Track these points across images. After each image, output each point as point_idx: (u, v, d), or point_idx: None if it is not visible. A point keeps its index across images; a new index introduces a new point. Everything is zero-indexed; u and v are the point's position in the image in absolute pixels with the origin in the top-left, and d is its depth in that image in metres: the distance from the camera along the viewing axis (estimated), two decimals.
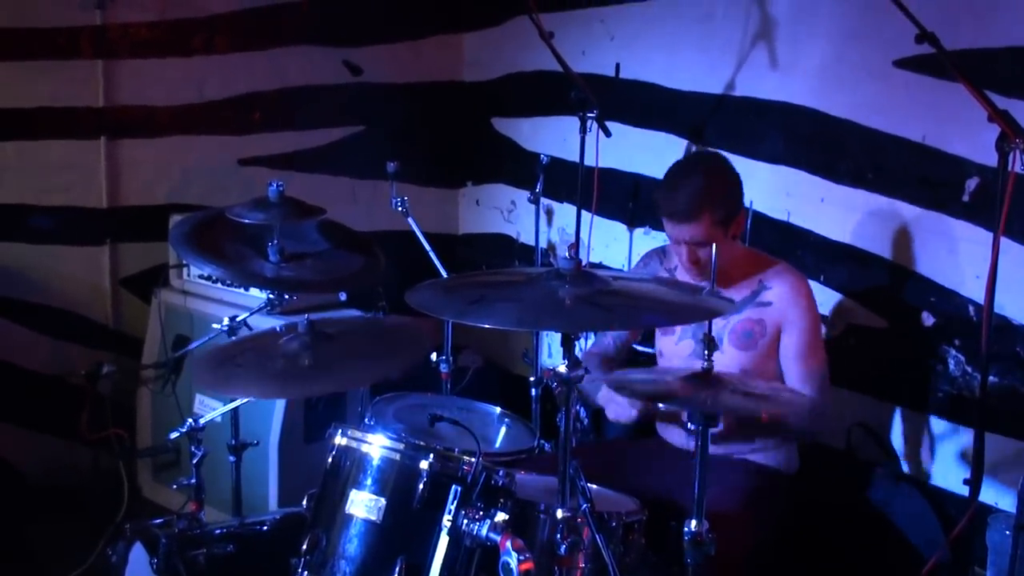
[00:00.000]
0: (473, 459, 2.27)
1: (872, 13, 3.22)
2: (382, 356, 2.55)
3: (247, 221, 2.88)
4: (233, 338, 2.94)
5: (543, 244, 4.41)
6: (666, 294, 2.23)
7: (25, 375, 4.14)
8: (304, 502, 2.50)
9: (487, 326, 1.99)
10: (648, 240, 4.05)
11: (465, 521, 2.21)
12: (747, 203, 3.50)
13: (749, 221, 3.49)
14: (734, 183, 2.93)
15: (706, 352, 2.27)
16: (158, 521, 2.64)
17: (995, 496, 2.93)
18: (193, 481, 2.79)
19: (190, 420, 2.78)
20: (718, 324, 2.90)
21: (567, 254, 2.15)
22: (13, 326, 4.09)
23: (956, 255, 3.06)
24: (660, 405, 2.72)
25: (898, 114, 3.18)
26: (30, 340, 4.13)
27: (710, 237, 2.80)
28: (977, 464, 2.80)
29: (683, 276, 3.06)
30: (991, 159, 2.68)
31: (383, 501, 2.27)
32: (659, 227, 3.96)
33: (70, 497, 3.97)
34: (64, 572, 3.47)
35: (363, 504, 2.28)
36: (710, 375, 2.27)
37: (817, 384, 2.86)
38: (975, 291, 2.98)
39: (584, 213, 3.85)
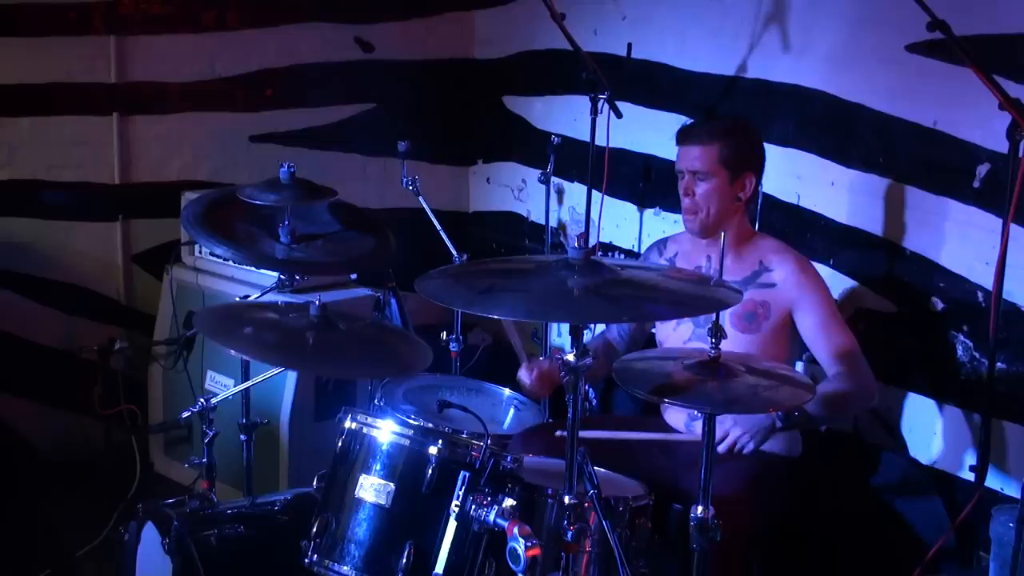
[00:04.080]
0: (481, 443, 2.30)
1: None
2: (381, 358, 2.54)
3: (259, 203, 2.89)
4: (246, 300, 2.96)
5: (553, 223, 4.42)
6: (674, 284, 2.23)
7: (38, 350, 4.17)
8: (314, 483, 2.53)
9: (496, 316, 2.00)
10: (659, 221, 4.05)
11: (473, 507, 2.24)
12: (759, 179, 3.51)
13: (759, 204, 3.49)
14: (755, 143, 3.02)
15: (712, 340, 2.26)
16: (170, 501, 2.67)
17: (1001, 482, 2.94)
18: (205, 460, 2.81)
19: (202, 400, 2.80)
20: None
21: (576, 243, 2.14)
22: (26, 301, 4.12)
23: (966, 241, 3.06)
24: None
25: (909, 99, 3.17)
26: (43, 315, 4.16)
27: (712, 170, 2.90)
28: (984, 450, 2.82)
29: (683, 263, 3.07)
30: (1002, 146, 2.68)
31: (392, 486, 2.30)
32: (669, 208, 3.97)
33: (83, 471, 4.00)
34: (77, 547, 3.51)
35: (372, 488, 2.31)
36: (718, 363, 2.27)
37: (848, 356, 2.83)
38: (984, 277, 2.97)
39: (595, 194, 3.86)
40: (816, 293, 2.89)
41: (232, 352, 2.79)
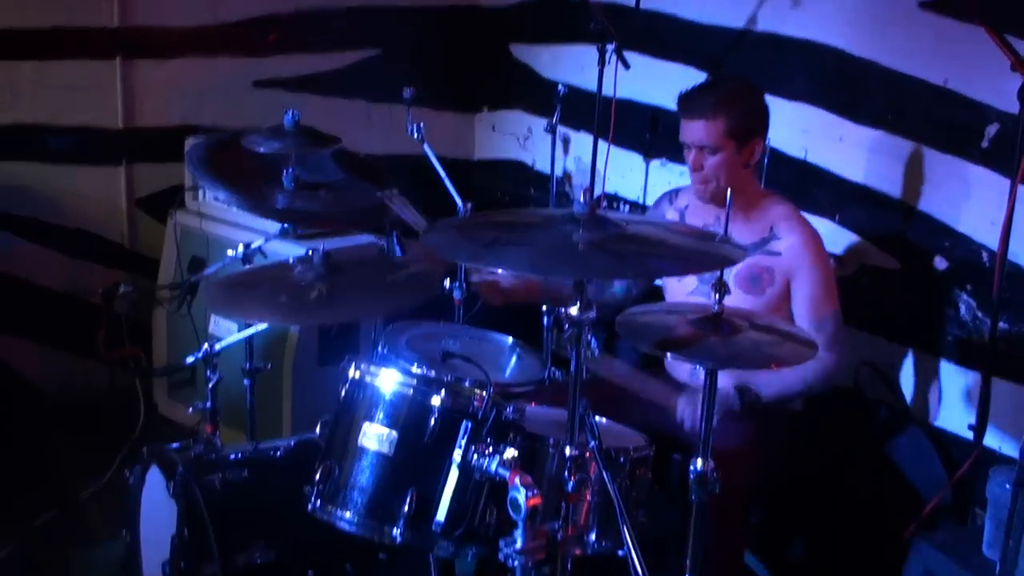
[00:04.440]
0: (484, 393, 2.31)
1: None
2: (394, 290, 2.56)
3: (263, 150, 2.88)
4: (248, 266, 2.96)
5: (559, 173, 4.40)
6: (679, 240, 2.23)
7: (42, 293, 4.19)
8: (318, 428, 2.54)
9: (500, 271, 2.00)
10: (664, 172, 4.04)
11: (475, 456, 2.25)
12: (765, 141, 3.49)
13: (767, 158, 3.48)
14: (760, 107, 2.95)
15: (716, 296, 2.26)
16: (174, 445, 2.69)
17: (999, 441, 2.96)
18: (208, 405, 2.83)
19: (206, 345, 2.81)
20: None
21: (581, 198, 2.13)
22: (30, 245, 4.13)
23: (972, 200, 3.05)
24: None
25: (921, 56, 3.14)
26: (47, 259, 4.17)
27: (720, 144, 2.84)
28: (983, 409, 2.84)
29: (693, 216, 3.07)
30: (1012, 106, 2.68)
31: (395, 434, 2.31)
32: (676, 159, 3.96)
33: (87, 413, 4.04)
34: (81, 488, 3.55)
35: (375, 437, 2.32)
36: (721, 318, 2.27)
37: (827, 336, 2.83)
38: (989, 237, 2.97)
39: (601, 144, 3.84)
40: (814, 271, 2.87)
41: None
